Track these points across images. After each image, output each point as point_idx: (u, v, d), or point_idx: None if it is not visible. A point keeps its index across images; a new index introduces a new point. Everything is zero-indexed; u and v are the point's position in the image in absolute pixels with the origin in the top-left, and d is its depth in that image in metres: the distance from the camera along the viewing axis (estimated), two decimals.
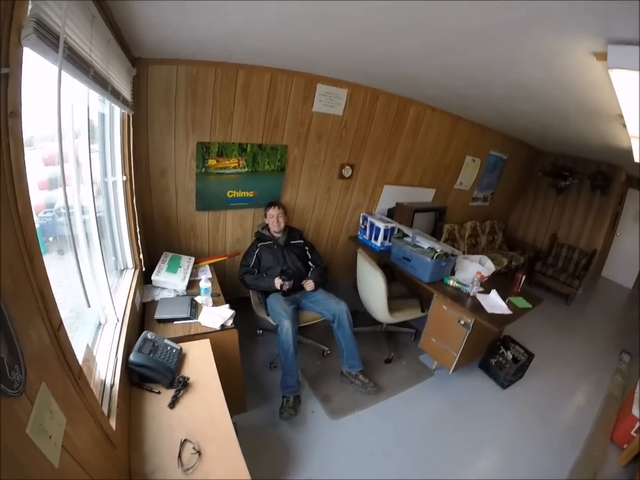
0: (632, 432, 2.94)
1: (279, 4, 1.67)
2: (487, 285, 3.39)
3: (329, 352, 3.52)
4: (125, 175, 2.37)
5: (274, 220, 3.34)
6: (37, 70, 1.09)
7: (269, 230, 3.43)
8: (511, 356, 3.61)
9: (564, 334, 4.95)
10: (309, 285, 3.26)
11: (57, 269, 1.54)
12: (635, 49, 1.42)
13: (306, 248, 3.55)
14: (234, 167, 3.34)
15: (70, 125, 1.56)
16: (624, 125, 2.68)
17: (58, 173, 1.22)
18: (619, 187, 6.24)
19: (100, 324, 1.87)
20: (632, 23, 1.29)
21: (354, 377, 3.16)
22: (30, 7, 0.87)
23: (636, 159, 3.92)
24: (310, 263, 3.54)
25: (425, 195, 5.16)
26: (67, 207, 1.25)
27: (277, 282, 3.13)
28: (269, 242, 3.38)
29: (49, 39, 0.94)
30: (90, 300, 1.57)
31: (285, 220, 3.42)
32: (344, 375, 3.22)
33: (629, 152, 3.78)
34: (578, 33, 1.54)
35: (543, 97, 2.87)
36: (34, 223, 0.93)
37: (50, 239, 1.58)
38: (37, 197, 1.56)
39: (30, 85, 1.09)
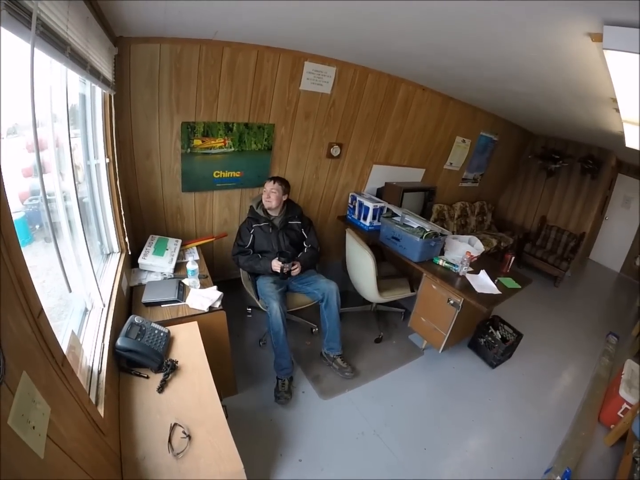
0: (619, 413, 3.01)
1: None
2: (477, 265, 3.41)
3: (317, 329, 3.52)
4: (108, 157, 2.32)
5: (266, 195, 3.09)
6: (22, 58, 1.05)
7: (264, 209, 3.20)
8: (500, 336, 3.65)
9: (553, 315, 5.03)
10: (295, 270, 3.06)
11: (44, 257, 1.51)
12: (632, 31, 1.40)
13: (303, 229, 3.34)
14: (220, 147, 3.27)
15: (49, 108, 1.52)
16: (617, 110, 2.66)
17: (39, 157, 1.19)
18: (609, 171, 6.29)
19: (86, 309, 1.84)
20: (629, 4, 1.26)
21: (332, 359, 3.16)
22: None
23: (627, 144, 3.91)
24: (304, 244, 3.36)
25: (414, 175, 5.13)
26: (44, 193, 1.21)
27: (276, 265, 2.99)
28: (263, 224, 3.18)
29: (21, 15, 0.90)
30: (75, 286, 1.55)
31: (278, 198, 3.10)
32: (323, 356, 3.23)
33: (620, 137, 3.77)
34: (573, 13, 1.51)
35: (535, 78, 2.83)
36: (10, 209, 0.89)
37: (37, 226, 1.55)
38: (23, 185, 1.53)
39: (15, 73, 1.05)
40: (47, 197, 1.28)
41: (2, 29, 0.87)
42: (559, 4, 1.44)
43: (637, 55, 1.47)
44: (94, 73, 1.64)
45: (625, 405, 2.99)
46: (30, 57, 1.01)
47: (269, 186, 3.08)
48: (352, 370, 3.12)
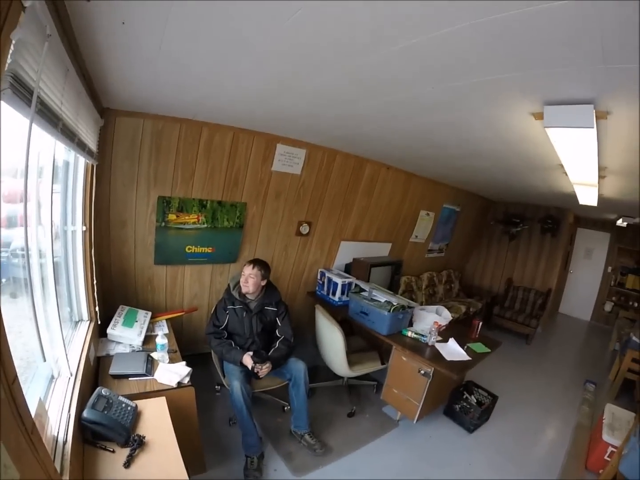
0: (606, 457, 3.03)
1: (247, 72, 1.81)
2: (445, 333, 3.50)
3: (288, 407, 3.36)
4: (85, 225, 2.35)
5: (244, 279, 2.94)
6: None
7: (241, 292, 3.03)
8: (475, 400, 3.65)
9: (528, 373, 5.09)
10: (263, 371, 2.80)
11: (9, 314, 1.47)
12: (569, 108, 1.64)
13: (277, 317, 3.13)
14: (194, 223, 3.36)
15: (35, 166, 1.58)
16: (566, 174, 2.98)
17: (17, 213, 1.20)
18: (567, 228, 6.77)
19: (52, 377, 1.78)
20: (567, 84, 1.50)
21: (300, 436, 3.04)
22: (9, 61, 0.88)
23: (581, 202, 4.31)
24: (277, 333, 3.13)
25: (381, 249, 5.33)
26: (27, 251, 1.23)
27: (248, 361, 2.80)
28: (238, 308, 3.01)
29: (24, 94, 0.96)
30: (44, 351, 1.51)
31: (256, 284, 2.95)
32: (292, 433, 3.11)
33: (573, 196, 4.14)
34: (517, 98, 1.75)
35: (491, 154, 3.12)
36: None
37: (4, 280, 1.52)
38: None
39: None
40: (22, 252, 1.29)
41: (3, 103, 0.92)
42: (506, 89, 1.67)
43: (573, 129, 1.73)
44: (80, 145, 1.72)
45: (610, 449, 3.01)
46: (27, 133, 1.04)
47: (248, 270, 2.94)
48: (322, 447, 2.99)
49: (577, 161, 2.50)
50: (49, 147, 1.71)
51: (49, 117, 1.20)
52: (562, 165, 2.75)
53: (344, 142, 3.59)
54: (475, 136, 2.63)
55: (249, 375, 2.87)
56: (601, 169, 2.72)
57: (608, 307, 7.90)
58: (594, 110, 1.61)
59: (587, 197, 3.98)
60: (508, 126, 2.25)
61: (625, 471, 2.56)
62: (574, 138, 1.91)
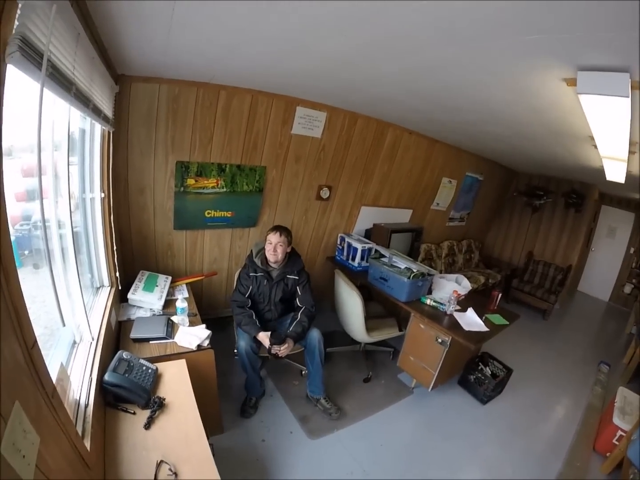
0: (614, 441, 3.02)
1: (262, 33, 1.72)
2: (464, 303, 3.46)
3: (306, 371, 3.43)
4: (103, 192, 2.36)
5: (271, 248, 2.88)
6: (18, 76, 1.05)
7: (263, 260, 3.00)
8: (490, 372, 3.65)
9: (543, 348, 5.06)
10: (282, 352, 2.77)
11: (32, 284, 1.51)
12: (604, 75, 1.52)
13: (298, 285, 3.07)
14: (213, 187, 3.34)
15: (50, 138, 1.56)
16: (595, 146, 2.81)
17: (36, 186, 1.21)
18: (592, 204, 6.52)
19: (74, 342, 1.83)
20: (602, 50, 1.38)
21: (316, 400, 3.13)
22: (16, 24, 0.87)
23: (608, 178, 4.10)
24: (298, 302, 3.08)
25: (402, 216, 5.25)
26: (44, 221, 1.24)
27: (265, 340, 2.78)
28: (259, 275, 2.99)
29: (33, 57, 0.95)
30: (65, 318, 1.55)
31: (284, 251, 2.93)
32: (307, 397, 3.20)
33: (601, 171, 3.94)
34: (549, 61, 1.62)
35: (512, 120, 2.96)
36: (10, 236, 0.92)
37: (26, 252, 1.55)
38: (14, 209, 1.53)
39: (11, 91, 1.08)
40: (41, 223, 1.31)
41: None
42: (535, 54, 1.56)
43: (609, 97, 1.59)
44: (95, 111, 1.70)
45: (619, 433, 3.00)
46: (39, 97, 1.05)
47: (275, 239, 2.87)
48: (337, 411, 3.06)
49: (608, 133, 2.35)
50: (64, 116, 1.68)
51: (61, 81, 1.19)
52: (591, 137, 2.59)
53: (362, 105, 3.46)
54: (495, 99, 2.47)
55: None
56: (632, 143, 2.55)
57: (627, 289, 7.64)
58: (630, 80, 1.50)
59: (615, 173, 3.77)
60: (534, 90, 2.08)
61: (633, 457, 2.55)
62: (606, 107, 1.79)
